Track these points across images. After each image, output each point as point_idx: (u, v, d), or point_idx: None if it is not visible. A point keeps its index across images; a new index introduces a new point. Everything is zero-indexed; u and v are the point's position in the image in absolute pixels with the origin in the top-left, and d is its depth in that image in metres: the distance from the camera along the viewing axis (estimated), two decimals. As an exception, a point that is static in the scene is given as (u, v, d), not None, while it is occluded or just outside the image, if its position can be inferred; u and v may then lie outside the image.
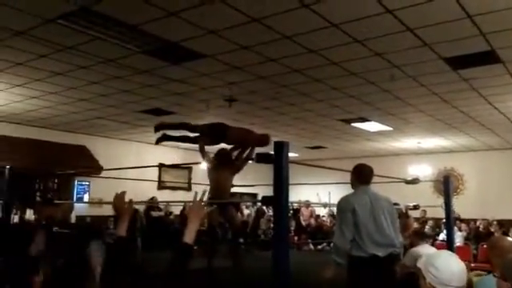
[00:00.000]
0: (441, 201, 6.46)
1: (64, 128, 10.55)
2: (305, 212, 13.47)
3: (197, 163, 11.50)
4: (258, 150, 5.02)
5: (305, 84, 6.78)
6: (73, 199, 10.97)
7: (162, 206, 12.16)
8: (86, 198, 11.36)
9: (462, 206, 11.82)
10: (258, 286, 4.44)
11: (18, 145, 9.74)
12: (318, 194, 13.14)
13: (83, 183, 11.31)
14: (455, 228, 9.49)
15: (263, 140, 5.66)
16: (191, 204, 2.31)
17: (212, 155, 6.07)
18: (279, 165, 3.19)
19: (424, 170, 12.57)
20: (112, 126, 10.30)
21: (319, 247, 11.70)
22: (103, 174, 9.96)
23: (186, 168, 13.44)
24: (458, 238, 10.12)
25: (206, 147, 5.97)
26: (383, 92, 7.12)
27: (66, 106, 8.39)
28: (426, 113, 8.52)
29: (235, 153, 5.95)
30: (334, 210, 4.72)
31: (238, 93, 7.27)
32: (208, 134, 5.76)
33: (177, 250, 2.13)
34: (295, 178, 4.64)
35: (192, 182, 13.18)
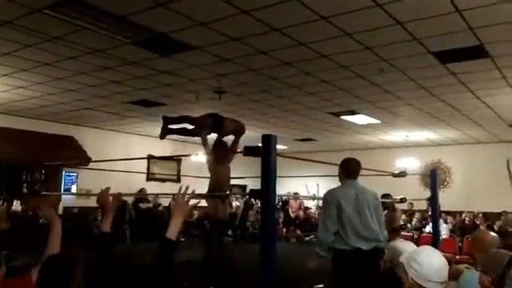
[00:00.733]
0: (428, 193, 6.53)
1: (52, 118, 10.45)
2: (293, 204, 13.54)
3: (187, 155, 11.50)
4: (246, 143, 5.02)
5: (295, 77, 6.79)
6: (60, 190, 10.89)
7: (150, 198, 12.15)
8: (73, 189, 11.29)
9: (449, 199, 11.94)
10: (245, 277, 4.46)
11: (5, 135, 9.62)
12: (306, 186, 13.20)
13: (71, 174, 11.23)
14: (441, 220, 9.62)
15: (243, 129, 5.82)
16: (176, 199, 2.30)
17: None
18: (267, 158, 3.20)
19: (412, 162, 12.66)
20: (100, 116, 10.22)
21: (307, 239, 11.78)
22: (91, 165, 9.90)
23: (175, 160, 13.41)
24: (444, 231, 10.24)
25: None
26: (372, 85, 7.15)
27: (53, 96, 8.30)
28: (415, 106, 8.57)
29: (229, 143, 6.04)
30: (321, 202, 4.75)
31: (228, 85, 7.25)
32: (207, 125, 5.80)
33: (160, 246, 2.12)
34: (284, 171, 4.66)
35: (181, 173, 13.15)
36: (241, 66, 6.32)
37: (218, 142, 6.10)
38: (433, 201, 6.20)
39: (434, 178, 6.34)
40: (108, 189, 2.68)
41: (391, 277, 3.91)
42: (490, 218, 10.97)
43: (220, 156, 5.89)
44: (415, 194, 10.19)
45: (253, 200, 12.50)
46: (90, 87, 7.62)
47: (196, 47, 5.60)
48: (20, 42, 5.53)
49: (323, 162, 4.81)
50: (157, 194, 11.93)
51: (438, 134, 11.68)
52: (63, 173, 11.10)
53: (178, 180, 13.23)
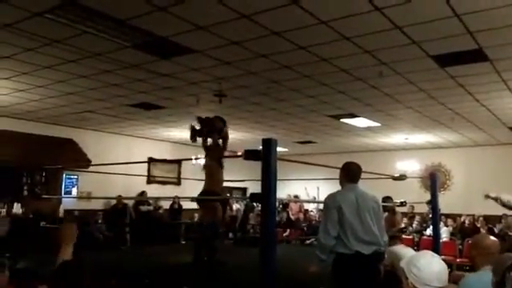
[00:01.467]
0: (428, 196, 6.53)
1: (52, 121, 10.46)
2: (293, 207, 13.55)
3: (188, 159, 11.53)
4: (246, 146, 5.05)
5: (294, 80, 6.80)
6: (61, 193, 10.90)
7: (150, 201, 12.15)
8: (74, 191, 11.29)
9: (449, 202, 11.96)
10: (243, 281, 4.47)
11: (5, 138, 9.64)
12: (305, 189, 13.21)
13: (71, 177, 11.23)
14: (441, 223, 9.63)
15: None
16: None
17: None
18: (267, 162, 3.21)
19: (412, 165, 12.67)
20: (101, 119, 10.24)
21: (307, 242, 11.77)
22: (92, 167, 9.92)
23: (176, 162, 13.43)
24: (445, 234, 10.24)
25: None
26: (372, 88, 7.16)
27: (54, 99, 8.32)
28: (414, 109, 8.59)
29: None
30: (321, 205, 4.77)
31: (228, 88, 7.27)
32: (220, 129, 5.99)
33: None
34: (284, 173, 4.68)
35: (181, 176, 13.17)
36: (241, 69, 6.33)
37: (211, 145, 6.24)
38: (433, 204, 6.21)
39: (433, 180, 6.35)
40: (73, 223, 2.69)
41: (392, 280, 3.92)
42: (490, 220, 10.96)
43: (211, 157, 6.02)
44: (415, 196, 10.18)
45: (254, 203, 12.51)
46: (91, 90, 7.64)
47: (196, 51, 5.62)
48: (20, 46, 5.55)
49: (323, 166, 4.83)
50: (157, 198, 11.92)
51: (437, 137, 11.69)
52: (64, 176, 11.10)
53: (179, 183, 13.25)
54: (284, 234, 12.22)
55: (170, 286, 4.48)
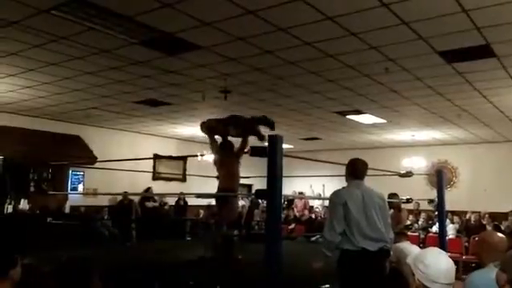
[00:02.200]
0: (434, 193, 6.50)
1: (58, 118, 10.51)
2: (299, 204, 13.54)
3: (193, 156, 11.54)
4: (252, 143, 5.06)
5: (300, 76, 6.78)
6: (67, 189, 10.96)
7: (156, 197, 12.19)
8: (80, 188, 11.35)
9: (456, 199, 11.91)
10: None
11: (12, 134, 9.69)
12: (311, 186, 13.19)
13: (77, 173, 11.29)
14: (447, 220, 9.59)
15: None
16: None
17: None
18: (273, 159, 3.21)
19: (418, 162, 12.63)
20: (107, 116, 10.27)
21: (312, 239, 11.76)
22: (98, 164, 9.96)
23: (181, 159, 13.44)
24: (451, 231, 10.21)
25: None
26: (378, 85, 7.13)
27: (60, 95, 8.35)
28: (421, 106, 8.55)
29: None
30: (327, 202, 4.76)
31: (234, 84, 7.26)
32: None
33: None
34: (289, 170, 4.67)
35: (187, 173, 13.19)
36: (246, 65, 6.33)
37: (227, 143, 6.17)
38: (439, 201, 6.18)
39: (440, 177, 6.32)
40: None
41: (397, 277, 3.91)
42: (496, 218, 10.91)
43: (228, 155, 5.95)
44: (422, 193, 10.16)
45: (259, 200, 12.50)
46: (97, 87, 7.66)
47: (202, 47, 5.62)
48: (27, 43, 5.57)
49: (328, 162, 4.82)
50: (163, 195, 11.95)
51: (444, 134, 11.63)
52: (70, 172, 11.16)
53: (184, 179, 13.27)
54: (289, 227, 12.17)
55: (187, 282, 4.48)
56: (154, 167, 12.83)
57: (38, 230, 8.12)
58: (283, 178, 3.37)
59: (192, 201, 12.06)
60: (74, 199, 11.14)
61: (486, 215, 10.97)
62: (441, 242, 6.12)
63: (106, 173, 9.76)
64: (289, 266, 3.49)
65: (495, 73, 6.37)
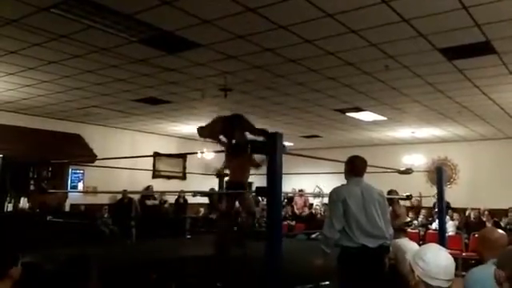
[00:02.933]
0: (434, 190, 6.52)
1: (58, 116, 10.50)
2: (298, 201, 13.55)
3: (193, 153, 11.53)
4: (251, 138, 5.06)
5: (300, 74, 6.78)
6: (67, 188, 10.96)
7: (156, 195, 12.20)
8: (80, 186, 11.35)
9: (456, 196, 11.93)
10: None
11: (12, 133, 9.69)
12: (317, 186, 13.16)
13: (77, 172, 11.29)
14: (447, 217, 9.60)
15: None
16: None
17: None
18: (273, 156, 3.21)
19: (418, 159, 12.63)
20: (107, 114, 10.27)
21: (313, 236, 11.77)
22: (98, 162, 9.96)
23: (181, 157, 13.45)
24: (451, 228, 10.22)
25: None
26: (378, 82, 7.13)
27: (60, 94, 8.35)
28: (421, 103, 8.54)
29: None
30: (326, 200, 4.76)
31: (234, 82, 7.25)
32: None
33: None
34: (289, 168, 4.67)
35: (187, 170, 13.20)
36: (246, 63, 6.32)
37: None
38: (439, 198, 6.19)
39: (440, 174, 6.33)
40: None
41: (396, 274, 3.92)
42: (496, 214, 10.92)
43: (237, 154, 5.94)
44: (421, 190, 10.18)
45: (259, 197, 12.50)
46: (97, 85, 7.65)
47: (202, 45, 5.61)
48: (27, 41, 5.56)
49: (328, 159, 4.82)
50: (163, 192, 11.96)
51: (444, 131, 11.63)
52: (70, 170, 11.16)
53: (184, 177, 13.28)
54: (287, 222, 12.16)
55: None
56: (154, 165, 12.83)
57: (38, 228, 8.12)
58: (283, 176, 3.38)
59: (192, 198, 12.06)
60: (74, 197, 11.14)
61: (486, 212, 10.98)
62: (440, 238, 6.13)
63: (105, 171, 9.78)
64: (288, 263, 3.49)
65: (495, 69, 6.37)
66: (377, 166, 5.72)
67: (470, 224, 10.75)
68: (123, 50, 5.82)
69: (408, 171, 6.23)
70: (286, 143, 12.12)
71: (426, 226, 11.07)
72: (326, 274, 3.87)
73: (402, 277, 2.44)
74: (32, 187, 10.53)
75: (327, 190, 4.15)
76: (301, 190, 13.33)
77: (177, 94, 8.20)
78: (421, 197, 10.55)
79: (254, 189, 4.87)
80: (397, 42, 5.35)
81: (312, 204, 13.78)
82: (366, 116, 9.89)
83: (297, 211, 13.27)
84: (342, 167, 4.11)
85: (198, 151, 10.64)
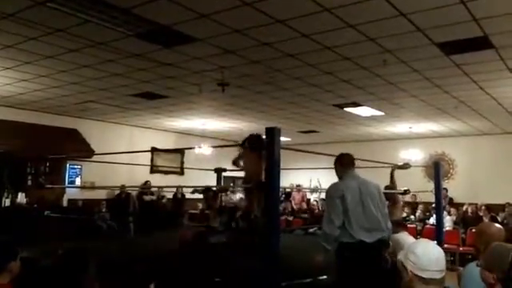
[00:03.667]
0: (431, 185, 6.52)
1: (55, 111, 10.47)
2: (296, 196, 13.56)
3: (190, 148, 11.52)
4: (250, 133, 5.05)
5: (298, 68, 6.77)
6: (65, 183, 10.95)
7: (153, 189, 12.20)
8: (77, 181, 11.34)
9: (453, 191, 11.97)
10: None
11: (9, 128, 9.66)
12: (318, 180, 13.13)
13: (75, 167, 11.28)
14: (445, 212, 9.62)
15: None
16: None
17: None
18: (271, 151, 3.20)
19: (415, 154, 12.64)
20: (104, 109, 10.24)
21: (310, 230, 11.78)
22: (96, 157, 9.95)
23: (179, 152, 13.44)
24: (448, 223, 10.25)
25: None
26: (376, 77, 7.12)
27: (57, 89, 8.32)
28: (418, 98, 8.54)
29: None
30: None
31: (231, 77, 7.23)
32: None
33: None
34: (287, 163, 4.66)
35: (184, 166, 13.20)
36: (244, 58, 6.30)
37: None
38: (436, 192, 6.20)
39: (437, 169, 6.33)
40: None
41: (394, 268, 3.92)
42: (493, 209, 10.95)
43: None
44: (419, 185, 10.20)
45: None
46: (94, 80, 7.63)
47: (199, 39, 5.59)
48: (23, 35, 5.53)
49: (326, 154, 4.81)
50: (161, 187, 11.96)
51: (442, 126, 11.65)
52: (67, 165, 11.14)
53: (182, 172, 13.27)
54: (285, 217, 12.16)
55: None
56: (152, 160, 12.82)
57: (36, 223, 8.11)
58: (281, 171, 3.37)
59: (190, 194, 12.06)
60: (72, 193, 11.13)
61: (483, 207, 11.02)
62: (438, 233, 6.14)
63: (103, 166, 9.74)
64: (286, 258, 3.49)
65: (493, 64, 6.37)
66: (374, 161, 5.73)
67: (467, 219, 10.78)
68: (120, 44, 5.80)
69: (405, 166, 6.23)
70: (283, 138, 12.14)
71: (423, 220, 11.10)
72: (325, 269, 3.87)
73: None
74: (29, 182, 10.51)
75: (326, 185, 4.16)
76: (298, 185, 13.33)
77: (174, 88, 8.18)
78: (417, 192, 10.57)
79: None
80: (394, 36, 5.34)
81: (309, 199, 13.79)
82: (363, 111, 9.89)
83: (295, 206, 13.28)
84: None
85: (196, 146, 10.65)
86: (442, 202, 6.33)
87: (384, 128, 12.17)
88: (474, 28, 4.99)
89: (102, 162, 8.84)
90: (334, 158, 4.35)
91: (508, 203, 10.93)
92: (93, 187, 11.26)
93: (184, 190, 11.77)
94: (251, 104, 9.37)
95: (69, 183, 11.09)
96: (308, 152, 5.86)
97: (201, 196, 8.63)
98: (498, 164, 12.07)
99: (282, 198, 12.48)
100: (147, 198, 11.99)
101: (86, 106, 9.92)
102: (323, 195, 12.38)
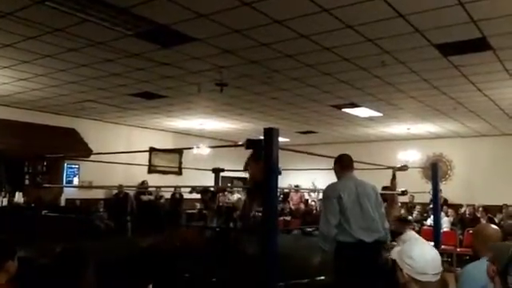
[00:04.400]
0: (429, 186, 6.54)
1: (53, 111, 10.46)
2: (294, 197, 13.56)
3: (189, 148, 11.49)
4: (248, 135, 5.05)
5: (296, 69, 6.77)
6: (62, 182, 10.93)
7: (151, 189, 12.17)
8: (75, 181, 11.32)
9: (451, 192, 11.98)
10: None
11: (6, 127, 9.63)
12: (313, 183, 13.14)
13: (73, 166, 11.26)
14: (442, 213, 9.64)
15: None
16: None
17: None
18: (269, 151, 3.20)
19: (413, 155, 12.66)
20: (102, 109, 10.22)
21: (308, 229, 11.78)
22: (93, 157, 9.93)
23: (177, 152, 13.43)
24: (445, 224, 10.27)
25: None
26: (374, 78, 7.13)
27: (55, 88, 8.30)
28: (417, 99, 8.55)
29: None
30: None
31: (229, 77, 7.23)
32: None
33: None
34: (285, 164, 4.67)
35: (182, 166, 13.19)
36: (242, 58, 6.30)
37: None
38: (434, 194, 6.21)
39: (434, 171, 6.34)
40: None
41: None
42: (491, 210, 10.98)
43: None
44: (416, 186, 10.20)
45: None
46: (92, 79, 7.61)
47: (197, 39, 5.59)
48: (21, 34, 5.52)
49: (324, 156, 4.81)
50: (159, 187, 11.94)
51: (439, 127, 11.67)
52: (65, 165, 11.12)
53: (180, 172, 13.26)
54: (283, 218, 12.16)
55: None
56: (150, 160, 12.80)
57: (33, 222, 8.09)
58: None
59: (188, 194, 12.05)
60: (70, 192, 11.11)
61: (480, 208, 11.04)
62: (435, 234, 6.15)
63: (101, 166, 9.73)
64: (284, 258, 3.49)
65: (491, 66, 6.38)
66: (372, 164, 5.73)
67: (465, 220, 10.80)
68: (118, 43, 5.79)
69: (403, 168, 6.24)
70: (282, 139, 12.14)
71: (420, 221, 11.11)
72: (322, 269, 3.88)
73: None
74: (27, 182, 10.49)
75: (323, 185, 4.16)
76: (297, 186, 13.33)
77: (172, 88, 8.17)
78: (414, 193, 10.58)
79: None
80: (393, 37, 5.35)
81: (307, 200, 13.79)
82: (361, 112, 9.90)
83: (292, 207, 13.28)
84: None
85: (194, 146, 10.63)
86: (439, 203, 6.34)
87: (382, 129, 12.19)
88: (473, 29, 5.00)
89: (99, 161, 8.82)
90: (332, 159, 4.36)
91: (505, 204, 10.96)
92: (90, 187, 11.24)
93: (182, 189, 11.78)
94: (249, 104, 9.37)
95: (66, 183, 11.07)
96: (306, 153, 5.86)
97: (198, 196, 8.68)
98: (495, 165, 12.09)
99: (280, 199, 12.49)
100: (145, 197, 11.97)
101: (84, 106, 9.90)
102: (320, 195, 12.40)
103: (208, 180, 8.75)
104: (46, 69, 7.04)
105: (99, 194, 11.45)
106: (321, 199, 12.42)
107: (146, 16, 4.89)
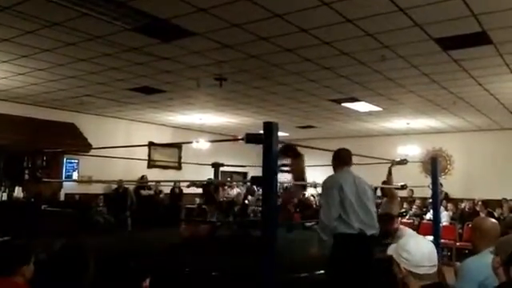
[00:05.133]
0: (428, 181, 6.54)
1: (52, 105, 10.44)
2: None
3: (188, 142, 11.50)
4: (247, 130, 5.05)
5: (296, 63, 6.75)
6: (62, 177, 10.92)
7: (151, 184, 12.18)
8: (75, 175, 11.32)
9: (450, 186, 12.00)
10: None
11: (6, 122, 9.62)
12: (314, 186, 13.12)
13: (72, 161, 11.25)
14: (442, 208, 9.66)
15: None
16: None
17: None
18: (268, 145, 3.20)
19: (413, 150, 12.66)
20: (101, 103, 10.21)
21: (308, 224, 11.79)
22: (93, 151, 9.92)
23: (176, 147, 13.42)
24: (445, 218, 10.28)
25: None
26: (374, 72, 7.12)
27: (54, 82, 8.28)
28: (416, 93, 8.54)
29: None
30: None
31: (229, 72, 7.22)
32: None
33: None
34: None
35: (182, 160, 13.19)
36: (242, 52, 6.28)
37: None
38: (433, 188, 6.21)
39: (434, 165, 6.34)
40: None
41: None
42: (490, 205, 11.00)
43: None
44: (415, 181, 10.21)
45: (254, 187, 12.49)
46: (91, 74, 7.60)
47: (197, 33, 5.57)
48: (20, 28, 5.50)
49: (324, 149, 4.81)
50: (158, 182, 11.95)
51: (439, 122, 11.66)
52: (64, 160, 11.12)
53: (180, 167, 13.26)
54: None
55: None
56: (149, 155, 12.80)
57: (33, 217, 8.10)
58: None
59: (187, 188, 12.06)
60: (69, 187, 11.11)
61: (480, 202, 11.06)
62: (435, 229, 6.16)
63: (100, 160, 9.73)
64: (284, 252, 3.50)
65: (491, 60, 6.36)
66: (372, 157, 5.73)
67: (464, 214, 10.82)
68: (117, 38, 5.77)
69: (403, 162, 6.24)
70: (281, 133, 12.13)
71: (420, 216, 11.13)
72: (321, 262, 3.87)
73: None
74: (26, 176, 10.49)
75: (320, 180, 4.17)
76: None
77: (171, 83, 8.15)
78: (414, 187, 10.59)
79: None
80: (393, 31, 5.33)
81: (304, 194, 13.77)
82: (361, 106, 9.89)
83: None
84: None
85: (194, 141, 10.63)
86: (438, 197, 6.35)
87: (382, 123, 12.19)
88: (473, 23, 4.99)
89: (99, 156, 8.82)
90: (331, 155, 4.36)
91: (504, 199, 10.97)
92: (90, 181, 11.23)
93: (182, 184, 11.79)
94: (249, 99, 9.36)
95: (66, 177, 11.06)
96: (306, 147, 5.85)
97: (198, 190, 8.67)
98: (495, 160, 12.10)
99: (279, 193, 12.47)
100: (145, 192, 11.98)
101: (83, 100, 9.89)
102: (319, 190, 12.40)
103: (208, 175, 8.75)
104: (45, 63, 7.02)
105: (99, 189, 11.46)
106: (320, 194, 12.42)
107: (146, 10, 4.86)
